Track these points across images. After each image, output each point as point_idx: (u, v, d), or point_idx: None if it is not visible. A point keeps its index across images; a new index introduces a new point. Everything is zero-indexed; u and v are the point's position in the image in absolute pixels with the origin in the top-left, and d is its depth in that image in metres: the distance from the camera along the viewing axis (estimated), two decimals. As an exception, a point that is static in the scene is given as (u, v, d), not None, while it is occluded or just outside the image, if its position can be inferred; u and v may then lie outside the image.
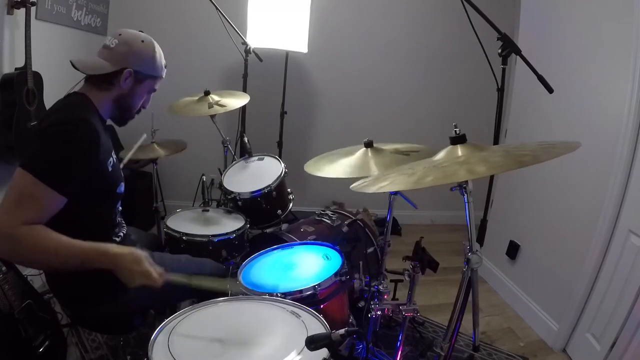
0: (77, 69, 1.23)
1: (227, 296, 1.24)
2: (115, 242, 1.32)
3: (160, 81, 1.36)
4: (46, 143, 1.07)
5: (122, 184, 1.32)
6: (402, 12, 3.46)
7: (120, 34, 1.24)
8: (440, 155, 1.14)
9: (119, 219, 1.37)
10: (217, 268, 1.60)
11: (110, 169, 1.23)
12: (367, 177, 1.27)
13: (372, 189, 1.09)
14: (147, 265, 1.13)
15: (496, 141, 1.72)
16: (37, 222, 1.03)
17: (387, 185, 1.08)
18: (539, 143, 1.10)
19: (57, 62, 2.28)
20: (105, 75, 1.22)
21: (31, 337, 1.39)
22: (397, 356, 1.53)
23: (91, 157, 1.12)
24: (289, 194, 2.27)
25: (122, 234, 1.37)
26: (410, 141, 1.76)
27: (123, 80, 1.23)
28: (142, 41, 1.26)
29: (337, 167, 1.60)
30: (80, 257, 1.06)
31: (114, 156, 1.30)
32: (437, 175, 0.98)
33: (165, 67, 1.35)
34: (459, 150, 1.10)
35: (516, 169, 0.97)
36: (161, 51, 1.33)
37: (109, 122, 1.35)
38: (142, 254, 1.14)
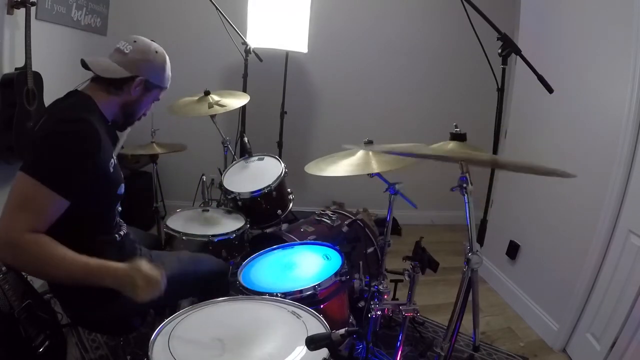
0: (88, 69, 1.22)
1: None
2: (115, 240, 1.32)
3: (164, 93, 1.39)
4: (48, 146, 1.06)
5: (122, 185, 1.31)
6: (402, 12, 3.46)
7: (135, 41, 1.25)
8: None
9: (118, 219, 1.37)
10: (218, 264, 1.60)
11: (111, 170, 1.23)
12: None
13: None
14: (149, 273, 1.09)
15: (496, 141, 1.72)
16: (41, 227, 1.02)
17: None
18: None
19: (57, 62, 2.29)
20: (116, 80, 1.23)
21: (31, 337, 1.38)
22: (397, 356, 1.53)
23: (93, 159, 1.12)
24: (289, 194, 2.27)
25: (121, 234, 1.37)
26: (410, 140, 1.76)
27: (134, 88, 1.25)
28: (156, 52, 1.29)
29: (337, 167, 1.61)
30: (83, 273, 1.04)
31: (115, 157, 1.29)
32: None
33: (170, 76, 1.38)
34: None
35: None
36: (169, 63, 1.36)
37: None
38: (141, 263, 1.09)
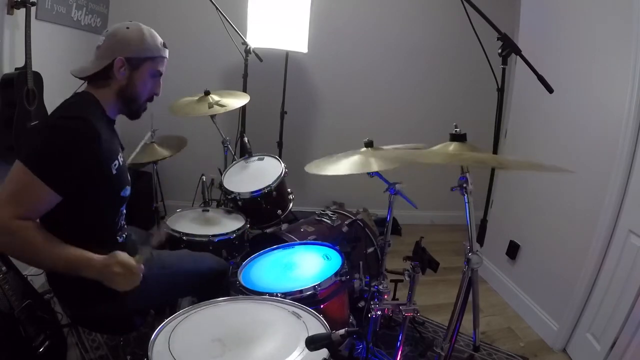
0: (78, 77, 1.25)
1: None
2: (117, 242, 1.32)
3: (164, 61, 1.31)
4: (43, 139, 1.09)
5: (128, 188, 1.30)
6: (402, 12, 3.46)
7: (106, 30, 1.24)
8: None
9: (122, 222, 1.36)
10: (218, 262, 1.60)
11: (114, 171, 1.21)
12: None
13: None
14: (127, 261, 1.13)
15: (496, 141, 1.72)
16: (31, 215, 1.06)
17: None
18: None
19: (57, 62, 2.28)
20: (100, 72, 1.21)
21: (31, 337, 1.38)
22: (397, 356, 1.53)
23: (87, 157, 1.11)
24: (289, 194, 2.27)
25: (124, 235, 1.37)
26: (410, 140, 1.76)
27: (117, 71, 1.21)
28: (127, 28, 1.23)
29: (337, 166, 1.61)
30: (64, 263, 1.08)
31: (120, 159, 1.27)
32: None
33: (164, 45, 1.30)
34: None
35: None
36: (153, 32, 1.28)
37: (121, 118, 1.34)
38: (118, 254, 1.13)
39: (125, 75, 1.23)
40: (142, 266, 1.16)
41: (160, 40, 1.29)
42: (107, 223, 1.29)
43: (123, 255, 1.13)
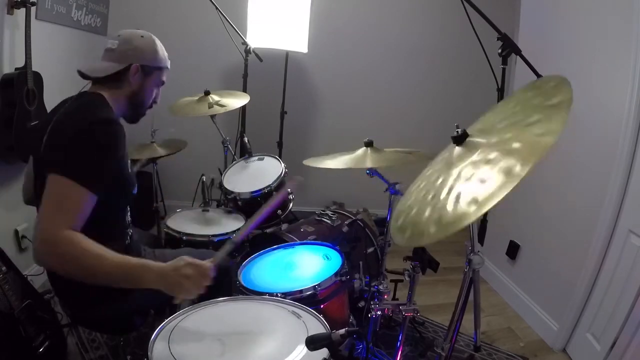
0: (85, 77, 1.25)
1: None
2: (124, 242, 1.33)
3: (167, 73, 1.38)
4: (81, 145, 1.07)
5: (135, 185, 1.34)
6: (402, 12, 3.46)
7: (119, 35, 1.27)
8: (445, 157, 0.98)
9: (129, 219, 1.39)
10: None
11: (129, 169, 1.27)
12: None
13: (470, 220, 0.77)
14: (197, 262, 1.07)
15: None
16: (77, 225, 1.03)
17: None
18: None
19: (57, 62, 2.29)
20: (114, 75, 1.24)
21: (31, 337, 1.38)
22: (397, 356, 1.53)
23: (120, 154, 1.15)
24: (289, 194, 2.27)
25: (130, 233, 1.37)
26: (410, 140, 1.76)
27: (132, 76, 1.26)
28: (142, 36, 1.29)
29: (336, 162, 1.61)
30: (122, 272, 1.02)
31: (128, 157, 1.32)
32: (520, 155, 0.80)
33: (168, 58, 1.37)
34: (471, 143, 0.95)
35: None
36: (161, 43, 1.35)
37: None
38: (184, 258, 1.07)
39: (137, 82, 1.28)
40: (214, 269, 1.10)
41: (166, 53, 1.37)
42: (119, 220, 1.32)
43: (189, 258, 1.08)
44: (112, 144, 1.11)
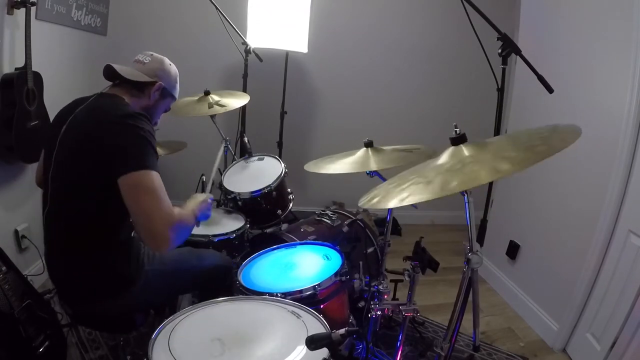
0: (110, 75, 1.34)
1: None
2: (131, 237, 1.35)
3: (174, 102, 1.52)
4: (142, 142, 1.17)
5: None
6: (402, 12, 3.46)
7: (151, 54, 1.41)
8: (445, 157, 1.06)
9: None
10: (222, 258, 1.62)
11: None
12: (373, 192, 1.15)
13: (391, 204, 0.97)
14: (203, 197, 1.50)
15: (496, 141, 1.72)
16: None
17: (409, 197, 0.96)
18: (534, 130, 1.05)
19: (57, 62, 2.29)
20: (139, 83, 1.34)
21: (31, 337, 1.39)
22: (397, 356, 1.53)
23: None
24: (289, 194, 2.27)
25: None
26: (410, 141, 1.76)
27: (153, 92, 1.37)
28: (170, 64, 1.44)
29: (337, 165, 1.61)
30: (193, 215, 1.37)
31: None
32: (462, 179, 0.92)
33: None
34: (464, 150, 1.05)
35: (539, 161, 0.92)
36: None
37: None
38: (198, 196, 1.52)
39: (155, 99, 1.39)
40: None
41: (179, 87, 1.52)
42: (128, 213, 1.32)
43: (201, 195, 1.52)
44: (153, 131, 1.25)
